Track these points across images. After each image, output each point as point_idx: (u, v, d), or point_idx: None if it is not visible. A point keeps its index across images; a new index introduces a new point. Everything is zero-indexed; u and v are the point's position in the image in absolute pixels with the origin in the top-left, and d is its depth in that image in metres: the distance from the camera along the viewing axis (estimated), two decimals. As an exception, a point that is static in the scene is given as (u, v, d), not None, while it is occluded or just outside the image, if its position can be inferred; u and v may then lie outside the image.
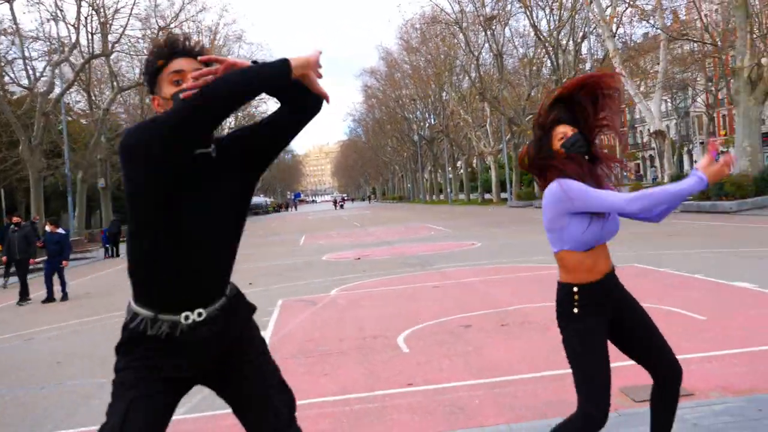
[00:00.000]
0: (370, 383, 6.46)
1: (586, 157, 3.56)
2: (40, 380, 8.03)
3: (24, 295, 16.39)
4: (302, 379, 6.52)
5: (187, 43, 2.73)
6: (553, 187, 3.42)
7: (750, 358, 6.18)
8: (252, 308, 2.99)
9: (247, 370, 2.86)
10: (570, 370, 6.33)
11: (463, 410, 5.45)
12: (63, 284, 16.27)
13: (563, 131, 3.51)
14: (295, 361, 7.42)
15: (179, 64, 2.68)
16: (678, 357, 6.40)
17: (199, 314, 2.67)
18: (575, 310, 3.54)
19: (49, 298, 16.07)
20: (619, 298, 3.62)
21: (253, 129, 2.87)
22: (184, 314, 2.65)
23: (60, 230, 16.91)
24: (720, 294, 9.40)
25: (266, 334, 8.35)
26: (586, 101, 3.52)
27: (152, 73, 2.72)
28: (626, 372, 6.04)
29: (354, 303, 11.37)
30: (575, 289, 3.52)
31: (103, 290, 17.62)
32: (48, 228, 16.87)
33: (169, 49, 2.71)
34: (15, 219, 18.17)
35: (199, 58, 2.66)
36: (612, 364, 6.29)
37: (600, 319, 3.55)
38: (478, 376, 6.33)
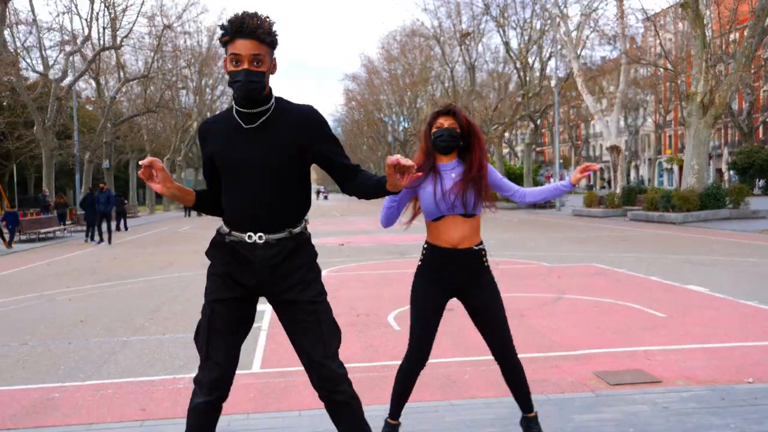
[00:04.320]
0: (368, 355, 6.55)
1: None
2: (68, 336, 7.99)
3: None
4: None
5: (249, 26, 2.90)
6: None
7: (709, 353, 6.31)
8: (312, 253, 3.26)
9: (298, 309, 3.12)
10: (545, 354, 6.48)
11: (456, 383, 5.54)
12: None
13: (441, 122, 3.83)
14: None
15: (239, 46, 2.92)
16: (642, 348, 6.59)
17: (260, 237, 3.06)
18: (419, 262, 3.92)
19: None
20: (467, 279, 3.85)
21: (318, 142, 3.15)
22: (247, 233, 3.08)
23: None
24: (676, 295, 9.51)
25: (266, 309, 8.35)
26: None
27: (223, 45, 2.99)
28: (601, 358, 6.19)
29: (344, 284, 11.38)
30: (424, 245, 3.91)
31: (110, 260, 17.33)
32: None
33: (232, 28, 2.91)
34: None
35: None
36: (583, 351, 6.46)
37: (436, 278, 3.84)
38: (465, 354, 6.42)
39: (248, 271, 3.10)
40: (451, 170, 3.81)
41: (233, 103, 3.13)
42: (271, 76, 3.07)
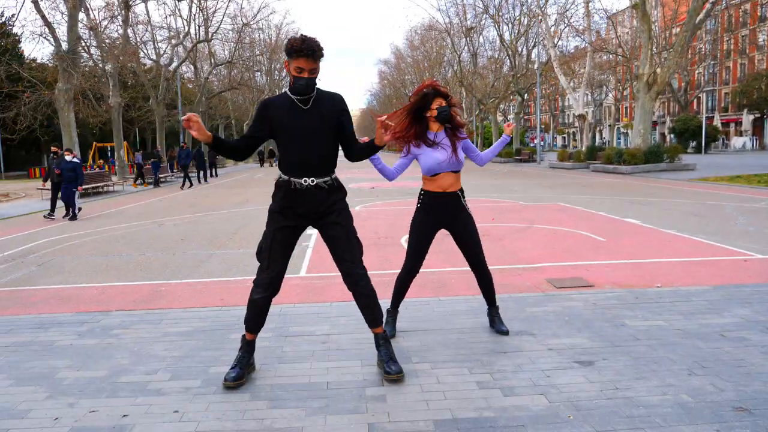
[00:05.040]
0: (382, 265, 6.69)
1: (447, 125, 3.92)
2: (172, 249, 8.27)
3: (52, 211, 12.87)
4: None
5: (310, 48, 3.15)
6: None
7: (632, 266, 6.36)
8: (344, 191, 3.48)
9: (335, 229, 3.39)
10: (512, 266, 6.56)
11: (444, 286, 5.68)
12: (73, 206, 12.34)
13: (440, 101, 3.83)
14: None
15: (301, 62, 3.17)
16: (584, 263, 6.64)
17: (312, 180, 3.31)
18: (418, 204, 3.97)
19: (73, 215, 12.36)
20: (453, 213, 3.91)
21: (343, 125, 3.40)
22: (303, 179, 3.31)
23: (75, 159, 12.72)
24: (615, 225, 9.48)
25: (313, 233, 8.52)
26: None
27: (288, 54, 3.18)
28: (552, 269, 6.30)
29: (371, 215, 11.52)
30: (421, 192, 3.96)
31: (204, 198, 17.62)
32: (67, 156, 12.67)
33: (297, 48, 3.14)
34: (53, 149, 13.83)
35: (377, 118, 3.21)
36: (540, 264, 6.55)
37: (431, 214, 3.90)
38: (452, 266, 6.52)
39: (306, 203, 3.31)
40: (441, 139, 3.87)
41: (289, 90, 3.32)
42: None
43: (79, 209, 12.75)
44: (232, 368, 3.45)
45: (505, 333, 4.13)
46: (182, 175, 23.53)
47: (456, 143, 3.88)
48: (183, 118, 3.13)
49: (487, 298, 4.24)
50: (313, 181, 3.29)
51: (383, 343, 3.54)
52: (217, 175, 32.49)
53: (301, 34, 3.20)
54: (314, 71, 3.22)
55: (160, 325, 4.61)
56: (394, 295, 4.21)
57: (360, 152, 3.48)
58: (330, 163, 3.36)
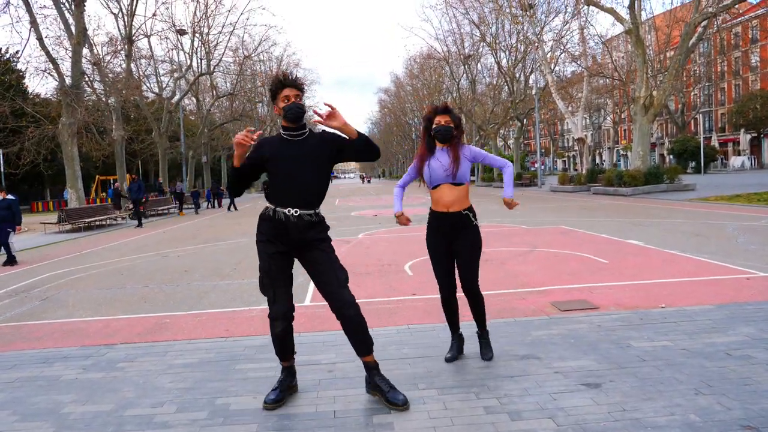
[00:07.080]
0: (387, 292, 6.64)
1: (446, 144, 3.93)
2: (176, 281, 8.28)
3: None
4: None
5: (291, 78, 3.40)
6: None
7: (635, 287, 6.35)
8: (326, 227, 3.52)
9: (317, 254, 3.41)
10: (516, 290, 6.53)
11: (449, 311, 5.68)
12: (7, 248, 11.23)
13: (439, 120, 3.89)
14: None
15: (287, 91, 3.39)
16: (587, 285, 6.61)
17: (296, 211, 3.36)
18: (427, 223, 4.01)
19: (9, 260, 11.20)
20: (456, 231, 3.91)
21: (337, 142, 3.45)
22: (287, 209, 3.37)
23: (10, 196, 11.39)
24: (617, 247, 9.47)
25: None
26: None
27: (273, 94, 3.42)
28: (556, 292, 6.28)
29: (374, 243, 11.52)
30: (429, 210, 4.02)
31: (208, 227, 17.64)
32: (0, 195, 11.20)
33: (282, 82, 3.39)
34: None
35: (324, 110, 3.31)
36: (544, 287, 6.52)
37: (438, 234, 3.94)
38: (458, 291, 6.51)
39: (289, 233, 3.36)
40: (442, 152, 3.90)
41: (281, 129, 3.49)
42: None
43: (12, 259, 11.24)
44: (272, 390, 3.55)
45: (489, 359, 4.12)
46: (136, 211, 20.83)
47: (459, 155, 3.85)
48: (242, 135, 3.27)
49: (478, 322, 4.24)
50: (296, 212, 3.35)
51: (371, 371, 3.54)
52: (221, 206, 32.56)
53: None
54: (299, 97, 3.41)
55: (166, 357, 4.60)
56: (447, 320, 4.24)
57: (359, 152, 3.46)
58: (315, 197, 3.42)
